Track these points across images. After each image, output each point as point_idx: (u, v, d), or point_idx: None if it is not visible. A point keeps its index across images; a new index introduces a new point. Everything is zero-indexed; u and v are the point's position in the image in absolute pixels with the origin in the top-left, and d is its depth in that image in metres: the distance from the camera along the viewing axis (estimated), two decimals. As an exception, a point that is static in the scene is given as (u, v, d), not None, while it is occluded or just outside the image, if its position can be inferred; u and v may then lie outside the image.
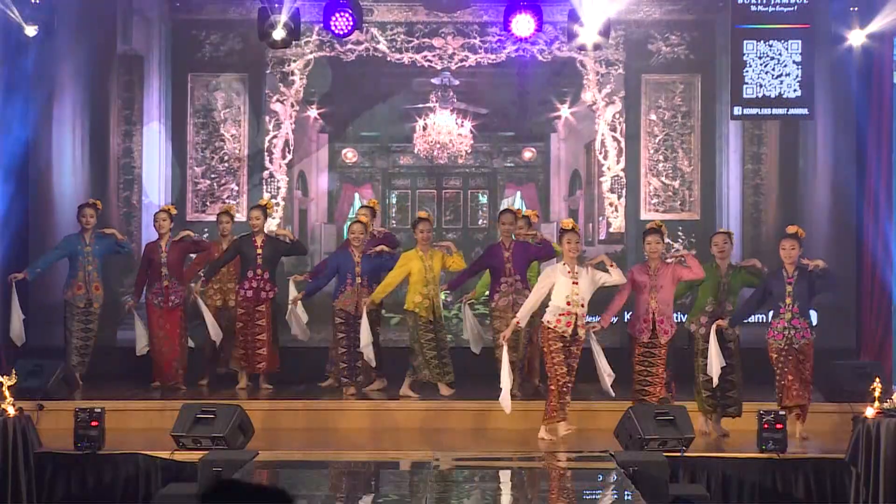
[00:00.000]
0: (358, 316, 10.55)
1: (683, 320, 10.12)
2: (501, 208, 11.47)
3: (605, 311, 9.62)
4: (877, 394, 8.45)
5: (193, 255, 11.55)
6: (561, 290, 9.21)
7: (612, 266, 9.36)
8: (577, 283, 9.20)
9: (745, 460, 8.66)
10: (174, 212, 11.29)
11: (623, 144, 12.90)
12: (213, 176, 12.87)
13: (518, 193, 13.05)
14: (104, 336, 11.57)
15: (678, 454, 8.55)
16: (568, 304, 9.19)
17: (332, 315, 10.80)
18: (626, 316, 10.54)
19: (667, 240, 12.47)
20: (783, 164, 12.62)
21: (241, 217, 12.67)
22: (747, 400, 9.55)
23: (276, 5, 10.96)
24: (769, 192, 12.71)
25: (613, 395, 9.47)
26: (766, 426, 8.63)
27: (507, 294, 10.53)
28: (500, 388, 9.33)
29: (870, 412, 8.38)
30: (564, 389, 9.27)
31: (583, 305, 9.24)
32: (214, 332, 10.92)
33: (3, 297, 11.15)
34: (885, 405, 8.47)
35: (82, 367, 11.02)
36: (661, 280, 9.46)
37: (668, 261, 9.60)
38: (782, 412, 8.83)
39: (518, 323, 9.34)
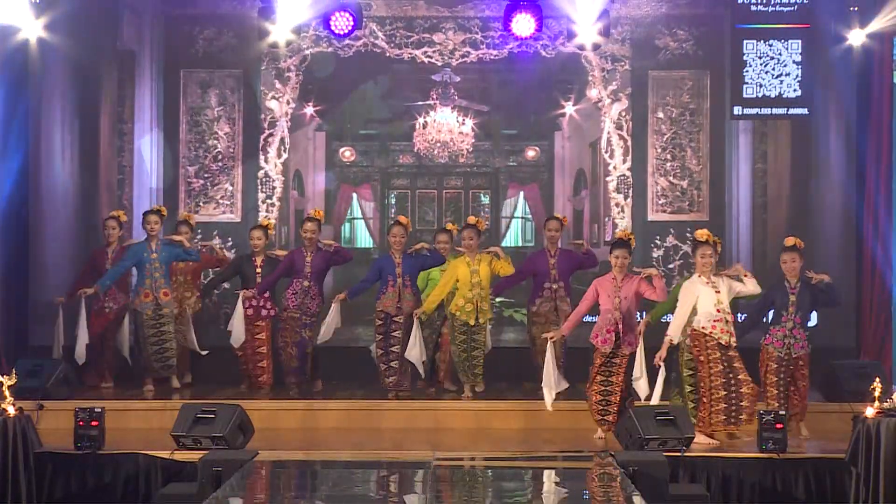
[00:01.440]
0: (395, 316, 11.40)
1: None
2: (547, 216, 12.41)
3: (567, 321, 10.55)
4: (877, 394, 9.24)
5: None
6: (706, 299, 10.01)
7: (746, 276, 10.14)
8: (718, 292, 10.03)
9: (745, 460, 9.48)
10: (124, 219, 12.28)
11: (629, 143, 13.65)
12: (206, 175, 13.65)
13: (521, 194, 13.81)
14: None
15: (678, 454, 9.37)
16: (718, 310, 10.01)
17: (374, 315, 11.59)
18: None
19: (674, 242, 13.40)
20: (791, 164, 13.42)
21: (234, 217, 13.51)
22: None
23: (277, 4, 11.83)
24: (778, 192, 13.48)
25: (550, 408, 10.38)
26: (766, 426, 9.48)
27: (549, 300, 11.61)
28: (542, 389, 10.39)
29: (870, 412, 9.17)
30: (727, 397, 9.97)
31: (728, 313, 10.03)
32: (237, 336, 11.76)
33: (4, 299, 12.11)
34: (885, 405, 9.25)
35: (167, 371, 11.81)
36: (626, 292, 10.32)
37: (638, 273, 10.43)
38: (782, 412, 9.67)
39: (672, 341, 10.07)
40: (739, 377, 9.98)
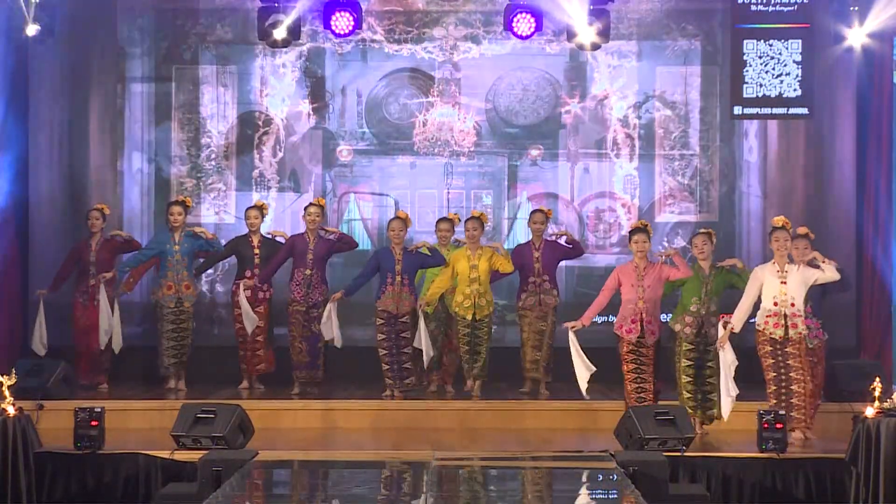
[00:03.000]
0: (399, 315, 12.33)
1: (667, 320, 11.77)
2: (532, 209, 13.30)
3: (587, 310, 11.48)
4: (877, 394, 10.09)
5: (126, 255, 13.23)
6: (768, 290, 10.93)
7: (824, 262, 11.01)
8: (785, 283, 10.93)
9: (745, 460, 10.36)
10: (107, 211, 13.07)
11: (636, 141, 14.51)
12: (198, 175, 14.48)
13: (524, 194, 14.57)
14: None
15: (678, 454, 10.28)
16: (775, 304, 10.92)
17: (375, 315, 12.44)
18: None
19: (683, 243, 14.27)
20: (797, 164, 14.29)
21: (227, 218, 14.32)
22: (746, 400, 11.31)
23: (277, 4, 12.72)
24: (785, 192, 14.32)
25: (587, 397, 11.38)
26: (765, 426, 10.37)
27: (534, 293, 12.63)
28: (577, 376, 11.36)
29: (870, 412, 10.02)
30: (777, 392, 10.92)
31: (793, 305, 10.92)
32: (249, 323, 12.64)
33: (3, 299, 13.13)
34: (885, 405, 10.10)
35: (179, 367, 12.74)
36: (648, 280, 11.34)
37: (658, 260, 11.45)
38: (782, 412, 10.57)
39: (733, 328, 10.97)
40: (791, 375, 10.86)
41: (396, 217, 12.54)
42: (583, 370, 11.31)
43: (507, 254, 12.58)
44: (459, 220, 12.92)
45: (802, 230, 11.56)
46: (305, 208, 12.77)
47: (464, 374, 12.67)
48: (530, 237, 12.89)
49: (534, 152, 14.66)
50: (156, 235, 12.97)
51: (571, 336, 11.36)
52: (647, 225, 11.62)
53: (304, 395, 12.56)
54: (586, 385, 11.36)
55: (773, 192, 14.41)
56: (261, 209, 13.02)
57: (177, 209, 12.83)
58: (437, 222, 12.96)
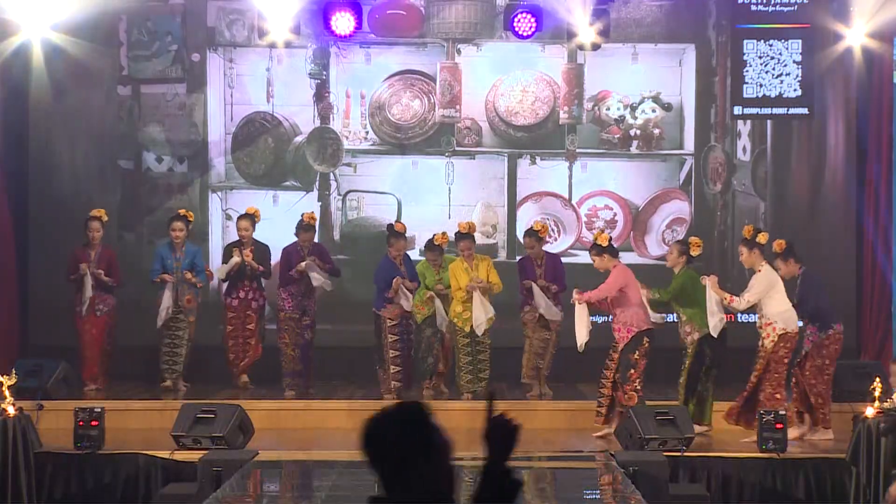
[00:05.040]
0: (409, 322, 12.19)
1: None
2: (526, 228, 12.95)
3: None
4: (877, 394, 9.91)
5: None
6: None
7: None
8: None
9: (745, 460, 10.17)
10: (105, 218, 12.74)
11: (633, 141, 14.19)
12: (203, 175, 14.18)
13: (530, 201, 14.25)
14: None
15: (678, 454, 10.06)
16: None
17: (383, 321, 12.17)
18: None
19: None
20: (795, 165, 14.06)
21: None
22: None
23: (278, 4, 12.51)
24: (783, 193, 14.11)
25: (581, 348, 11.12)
26: (766, 426, 10.13)
27: (535, 309, 12.25)
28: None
29: (870, 412, 9.82)
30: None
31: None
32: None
33: (7, 297, 12.91)
34: (885, 405, 9.91)
35: (172, 374, 12.50)
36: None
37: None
38: (782, 412, 10.33)
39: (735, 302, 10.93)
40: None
41: (400, 235, 12.27)
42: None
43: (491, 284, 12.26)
44: (448, 239, 12.56)
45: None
46: (297, 233, 12.55)
47: (458, 386, 12.31)
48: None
49: (539, 159, 14.35)
50: (156, 255, 12.73)
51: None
52: (608, 240, 11.32)
53: (300, 396, 12.32)
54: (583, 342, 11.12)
55: (769, 192, 14.19)
56: (252, 218, 12.78)
57: (178, 225, 12.58)
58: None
